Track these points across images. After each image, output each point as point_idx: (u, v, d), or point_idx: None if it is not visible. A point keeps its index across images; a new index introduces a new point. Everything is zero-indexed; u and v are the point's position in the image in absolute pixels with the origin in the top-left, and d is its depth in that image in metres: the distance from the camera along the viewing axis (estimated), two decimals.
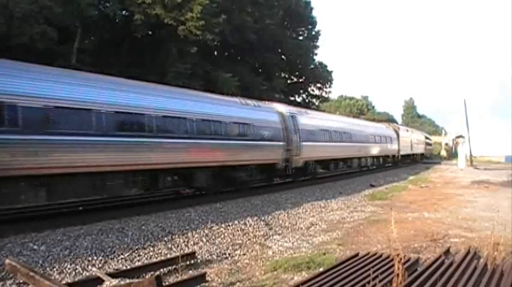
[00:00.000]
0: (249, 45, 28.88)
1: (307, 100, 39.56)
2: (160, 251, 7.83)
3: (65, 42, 19.68)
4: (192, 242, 8.49)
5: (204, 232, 9.22)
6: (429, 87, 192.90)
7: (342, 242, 8.82)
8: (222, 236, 9.17)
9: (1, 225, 8.27)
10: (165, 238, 8.50)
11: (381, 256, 6.79)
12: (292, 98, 37.13)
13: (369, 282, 5.17)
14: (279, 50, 34.09)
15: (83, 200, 10.85)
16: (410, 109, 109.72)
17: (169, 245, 8.17)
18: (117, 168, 9.91)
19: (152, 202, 12.07)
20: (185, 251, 7.68)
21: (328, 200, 14.80)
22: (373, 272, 5.61)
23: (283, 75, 36.38)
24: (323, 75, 38.16)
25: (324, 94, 41.08)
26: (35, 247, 7.22)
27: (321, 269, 6.37)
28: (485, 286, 5.19)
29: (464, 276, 5.53)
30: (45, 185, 8.80)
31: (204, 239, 8.76)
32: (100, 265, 6.85)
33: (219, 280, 6.47)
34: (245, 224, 10.26)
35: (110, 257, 7.23)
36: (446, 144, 62.72)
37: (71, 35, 20.20)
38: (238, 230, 9.69)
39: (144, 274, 6.39)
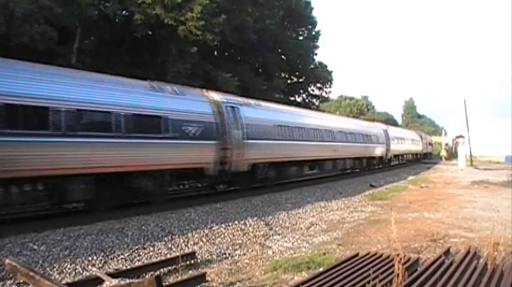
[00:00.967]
0: (249, 45, 28.88)
1: (307, 100, 39.63)
2: (160, 251, 7.83)
3: (65, 42, 19.67)
4: (192, 242, 8.49)
5: (204, 232, 9.22)
6: (429, 87, 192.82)
7: (342, 242, 8.82)
8: (222, 236, 9.17)
9: (1, 225, 8.28)
10: (165, 238, 8.50)
11: (381, 256, 6.79)
12: (292, 98, 37.18)
13: (369, 282, 5.18)
14: (279, 50, 34.11)
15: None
16: (410, 109, 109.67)
17: (169, 245, 8.17)
18: None
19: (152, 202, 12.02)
20: (185, 251, 7.68)
21: (328, 200, 14.80)
22: (373, 272, 5.61)
23: (283, 75, 36.40)
24: (323, 75, 38.21)
25: (324, 94, 41.22)
26: (35, 247, 7.22)
27: (321, 269, 6.37)
28: (485, 286, 5.19)
29: (465, 276, 5.54)
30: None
31: (204, 239, 8.76)
32: (100, 265, 6.85)
33: (219, 280, 6.47)
34: (245, 224, 10.26)
35: (110, 257, 7.23)
36: (447, 144, 62.68)
37: (71, 35, 20.19)
38: (238, 230, 9.69)
39: (144, 274, 6.39)
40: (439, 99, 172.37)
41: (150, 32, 23.16)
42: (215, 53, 29.32)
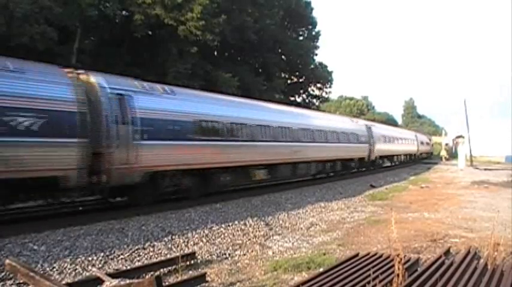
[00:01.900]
0: (249, 45, 28.88)
1: (307, 100, 39.63)
2: (160, 251, 7.83)
3: (65, 43, 19.68)
4: (192, 243, 8.49)
5: (204, 232, 9.22)
6: (429, 88, 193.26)
7: (342, 242, 8.82)
8: (222, 236, 9.17)
9: (1, 225, 8.28)
10: (165, 238, 8.50)
11: (381, 256, 6.79)
12: (292, 98, 37.19)
13: (369, 282, 5.18)
14: (279, 50, 34.11)
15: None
16: (410, 109, 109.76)
17: (169, 246, 8.17)
18: None
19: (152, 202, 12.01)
20: (185, 252, 7.68)
21: (329, 201, 14.80)
22: (373, 272, 5.60)
23: (283, 75, 36.40)
24: (323, 76, 38.20)
25: (324, 94, 41.25)
26: (35, 247, 7.22)
27: (321, 270, 6.37)
28: (485, 286, 5.19)
29: (465, 276, 5.53)
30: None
31: (204, 240, 8.76)
32: (100, 265, 6.85)
33: (219, 280, 6.47)
34: (245, 224, 10.26)
35: (110, 257, 7.23)
36: (447, 144, 62.65)
37: (71, 35, 20.20)
38: (238, 231, 9.69)
39: (144, 274, 6.39)
40: (439, 100, 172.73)
41: (150, 32, 23.17)
42: (215, 53, 29.32)
